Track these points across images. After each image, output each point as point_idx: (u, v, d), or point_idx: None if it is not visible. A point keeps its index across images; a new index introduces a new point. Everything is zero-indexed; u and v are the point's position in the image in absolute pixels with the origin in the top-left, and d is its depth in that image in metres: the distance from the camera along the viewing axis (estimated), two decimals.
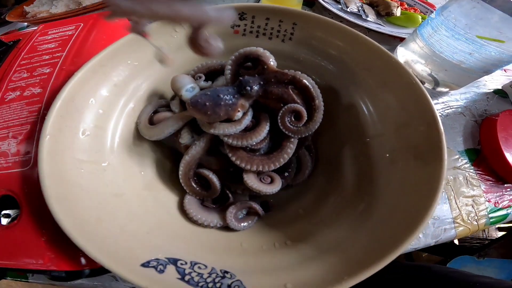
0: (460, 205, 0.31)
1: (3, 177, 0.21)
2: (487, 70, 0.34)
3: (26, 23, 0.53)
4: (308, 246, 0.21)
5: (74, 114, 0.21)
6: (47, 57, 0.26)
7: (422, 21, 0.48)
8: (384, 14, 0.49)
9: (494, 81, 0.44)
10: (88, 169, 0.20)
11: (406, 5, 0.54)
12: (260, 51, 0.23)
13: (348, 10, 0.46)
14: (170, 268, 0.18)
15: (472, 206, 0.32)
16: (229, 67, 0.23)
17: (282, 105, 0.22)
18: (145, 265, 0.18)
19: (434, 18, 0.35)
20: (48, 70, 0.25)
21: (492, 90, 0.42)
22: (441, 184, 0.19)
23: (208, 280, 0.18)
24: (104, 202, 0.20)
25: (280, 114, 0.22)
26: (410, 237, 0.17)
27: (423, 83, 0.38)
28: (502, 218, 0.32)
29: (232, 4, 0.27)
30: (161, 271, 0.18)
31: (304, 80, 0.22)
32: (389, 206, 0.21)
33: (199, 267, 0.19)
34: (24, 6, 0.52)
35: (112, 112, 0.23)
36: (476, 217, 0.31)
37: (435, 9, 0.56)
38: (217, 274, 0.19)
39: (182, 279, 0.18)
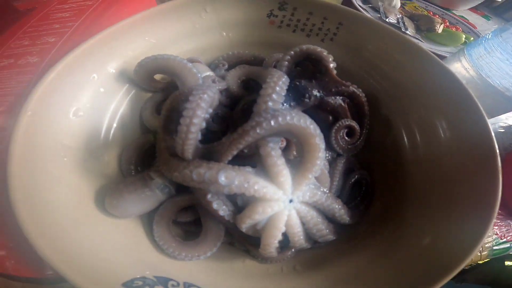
0: None
1: None
2: None
3: None
4: (321, 275, 0.17)
5: (69, 88, 0.16)
6: (57, 25, 0.21)
7: (465, 41, 0.42)
8: (425, 29, 0.43)
9: None
10: (72, 159, 0.15)
11: (448, 23, 0.48)
12: (324, 53, 0.18)
13: (387, 20, 0.40)
14: None
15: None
16: (286, 62, 0.18)
17: (331, 118, 0.17)
18: (128, 285, 0.13)
19: (490, 38, 0.30)
20: (52, 39, 0.20)
21: None
22: (486, 231, 0.14)
23: None
24: (84, 203, 0.15)
25: (334, 129, 0.18)
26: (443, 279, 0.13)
27: None
28: (505, 250, 0.30)
29: None
30: None
31: (362, 97, 0.18)
32: (423, 242, 0.16)
33: None
34: None
35: (115, 92, 0.18)
36: (481, 249, 0.29)
37: (476, 29, 0.51)
38: None
39: None
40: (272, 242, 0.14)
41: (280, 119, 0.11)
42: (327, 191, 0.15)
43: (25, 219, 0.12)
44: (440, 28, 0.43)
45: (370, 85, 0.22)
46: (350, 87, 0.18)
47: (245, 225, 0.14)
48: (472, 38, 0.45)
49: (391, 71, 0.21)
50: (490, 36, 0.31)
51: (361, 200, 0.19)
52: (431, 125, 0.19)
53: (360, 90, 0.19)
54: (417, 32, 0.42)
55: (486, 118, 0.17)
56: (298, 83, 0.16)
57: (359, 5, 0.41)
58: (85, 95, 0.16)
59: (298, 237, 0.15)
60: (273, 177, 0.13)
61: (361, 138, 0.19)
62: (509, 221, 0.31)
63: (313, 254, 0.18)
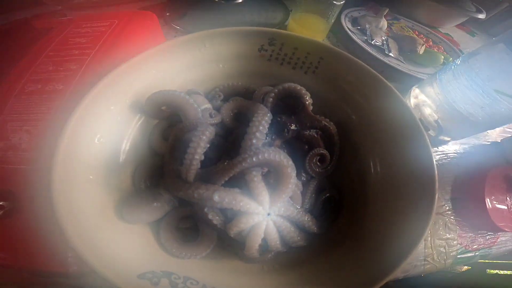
0: (434, 246, 0.32)
1: (8, 171, 0.20)
2: (492, 126, 0.33)
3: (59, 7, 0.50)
4: (295, 273, 0.21)
5: (93, 119, 0.19)
6: (76, 51, 0.25)
7: (444, 61, 0.46)
8: (408, 50, 0.47)
9: (495, 135, 0.43)
10: (96, 176, 0.19)
11: (431, 43, 0.52)
12: (302, 91, 0.22)
13: (372, 42, 0.44)
14: (164, 281, 0.18)
15: (444, 248, 0.33)
16: (271, 98, 0.22)
17: (307, 147, 0.21)
18: (141, 276, 0.17)
19: (458, 64, 0.33)
20: (74, 67, 0.24)
21: (489, 143, 0.42)
22: (424, 234, 0.19)
23: None
24: (106, 211, 0.19)
25: (308, 157, 0.22)
26: (393, 270, 0.18)
27: (427, 129, 0.37)
28: (469, 259, 0.33)
29: (265, 28, 0.25)
30: (156, 284, 0.17)
31: (332, 130, 0.22)
32: (374, 246, 0.21)
33: (191, 283, 0.19)
34: None
35: (129, 121, 0.22)
36: (445, 257, 0.32)
37: (459, 47, 0.55)
38: None
39: None
40: (254, 245, 0.19)
41: (260, 156, 0.16)
42: (299, 207, 0.20)
43: (65, 223, 0.16)
44: (421, 49, 0.47)
45: (344, 112, 0.27)
46: (322, 121, 0.22)
47: (233, 232, 0.18)
48: (451, 59, 0.49)
49: (362, 102, 0.26)
50: (459, 62, 0.33)
51: (330, 214, 0.23)
52: (389, 152, 0.23)
53: (331, 123, 0.23)
54: (400, 53, 0.46)
55: (431, 150, 0.21)
56: (279, 119, 0.20)
57: (348, 28, 0.45)
58: (106, 124, 0.20)
59: (275, 242, 0.20)
60: (255, 196, 0.17)
61: (331, 163, 0.23)
62: (473, 232, 0.35)
63: (289, 256, 0.22)
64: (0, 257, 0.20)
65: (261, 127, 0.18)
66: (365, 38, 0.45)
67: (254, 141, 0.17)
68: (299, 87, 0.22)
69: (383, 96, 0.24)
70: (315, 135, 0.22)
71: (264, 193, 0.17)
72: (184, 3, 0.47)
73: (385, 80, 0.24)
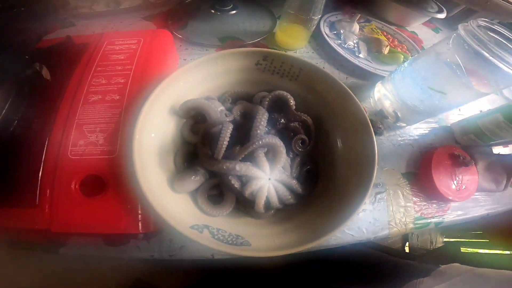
0: (395, 213, 0.42)
1: (94, 162, 0.29)
2: (432, 114, 0.45)
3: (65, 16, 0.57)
4: (290, 223, 0.32)
5: (149, 120, 0.30)
6: (119, 67, 0.35)
7: (403, 60, 0.58)
8: (375, 51, 0.58)
9: (447, 118, 0.55)
10: (154, 161, 0.30)
11: (396, 42, 0.63)
12: (288, 96, 0.34)
13: (345, 46, 0.56)
14: (205, 231, 0.27)
15: (404, 214, 0.42)
16: (266, 102, 0.34)
17: (292, 134, 0.33)
18: (191, 227, 0.27)
19: (406, 67, 0.45)
20: (122, 81, 0.33)
21: (441, 126, 0.53)
22: (369, 189, 0.30)
23: (228, 239, 0.27)
24: (163, 184, 0.30)
25: (293, 140, 0.34)
26: (347, 220, 0.28)
27: (387, 117, 0.49)
28: (424, 225, 0.42)
29: (260, 48, 0.36)
30: (201, 232, 0.27)
31: (309, 121, 0.34)
32: (340, 198, 0.32)
33: (222, 232, 0.28)
34: None
35: (169, 120, 0.33)
36: (405, 222, 0.41)
37: (422, 44, 0.66)
38: (233, 236, 0.28)
39: (213, 237, 0.27)
40: (261, 202, 0.30)
41: (263, 140, 0.27)
42: (288, 175, 0.32)
43: (145, 190, 0.26)
44: (386, 50, 0.59)
45: (318, 108, 0.38)
46: (302, 116, 0.34)
47: (247, 192, 0.29)
48: (410, 57, 0.61)
49: (330, 101, 0.37)
50: (406, 65, 0.45)
51: (311, 181, 0.35)
52: (348, 135, 0.36)
53: (309, 117, 0.35)
54: (368, 54, 0.57)
55: (373, 134, 0.33)
56: (273, 116, 0.32)
57: (326, 33, 0.56)
58: (157, 124, 0.31)
59: (274, 199, 0.31)
60: (260, 167, 0.29)
61: (310, 145, 0.35)
62: (427, 202, 0.43)
63: (284, 213, 0.33)
64: (89, 227, 0.27)
65: (262, 122, 0.29)
66: (340, 42, 0.56)
67: (258, 131, 0.29)
68: (285, 93, 0.34)
69: (344, 98, 0.36)
70: (297, 126, 0.34)
71: (266, 165, 0.29)
72: (183, 13, 0.56)
73: (345, 86, 0.35)
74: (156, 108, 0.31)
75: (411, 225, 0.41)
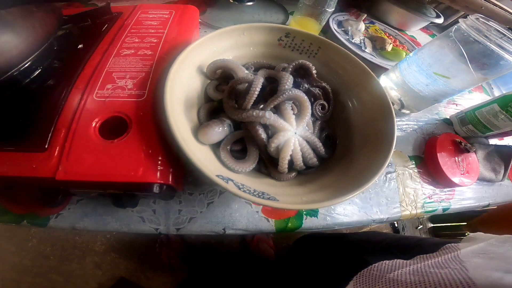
0: (405, 193, 0.43)
1: (120, 103, 0.28)
2: (437, 99, 0.47)
3: None
4: (314, 184, 0.32)
5: (180, 73, 0.31)
6: (152, 31, 0.37)
7: (406, 57, 0.63)
8: (379, 48, 0.63)
9: (446, 111, 0.60)
10: (182, 109, 0.31)
11: (398, 42, 0.69)
12: (310, 65, 0.36)
13: (352, 41, 0.60)
14: (231, 183, 0.26)
15: (413, 196, 0.43)
16: (290, 69, 0.35)
17: (313, 99, 0.35)
18: (217, 176, 0.25)
19: (411, 56, 0.49)
20: (155, 40, 0.35)
21: (441, 118, 0.58)
22: (390, 155, 0.30)
23: (255, 193, 0.26)
24: (188, 131, 0.30)
25: (314, 104, 0.36)
26: (370, 181, 0.28)
27: (393, 104, 0.52)
28: (433, 210, 0.43)
29: (283, 25, 0.39)
30: (227, 182, 0.25)
31: (328, 89, 0.37)
32: (360, 165, 0.32)
33: (246, 187, 0.27)
34: None
35: (197, 77, 0.35)
36: (415, 204, 0.42)
37: (420, 47, 0.72)
38: (259, 192, 0.27)
39: (239, 189, 0.25)
40: (286, 156, 0.30)
41: (293, 92, 0.29)
42: (312, 133, 0.33)
43: (175, 131, 0.26)
44: (389, 47, 0.63)
45: (333, 82, 0.41)
46: (323, 83, 0.36)
47: (273, 145, 0.30)
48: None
49: (344, 74, 0.40)
50: (411, 55, 0.49)
51: (330, 145, 0.37)
52: (364, 103, 0.38)
53: (328, 85, 0.37)
54: (373, 50, 0.62)
55: (388, 98, 0.36)
56: (297, 80, 0.34)
57: (334, 29, 0.60)
58: (185, 78, 0.32)
59: (299, 157, 0.32)
60: (287, 119, 0.31)
61: (329, 111, 0.36)
62: (433, 186, 0.45)
63: (306, 176, 0.33)
64: (100, 175, 0.24)
65: (288, 81, 0.31)
66: (347, 37, 0.61)
67: (286, 86, 0.31)
68: (307, 62, 0.36)
69: (361, 75, 0.39)
70: (319, 92, 0.36)
71: (292, 118, 0.31)
72: (203, 1, 0.60)
73: (364, 65, 0.39)
74: (185, 64, 0.33)
75: (421, 209, 0.43)
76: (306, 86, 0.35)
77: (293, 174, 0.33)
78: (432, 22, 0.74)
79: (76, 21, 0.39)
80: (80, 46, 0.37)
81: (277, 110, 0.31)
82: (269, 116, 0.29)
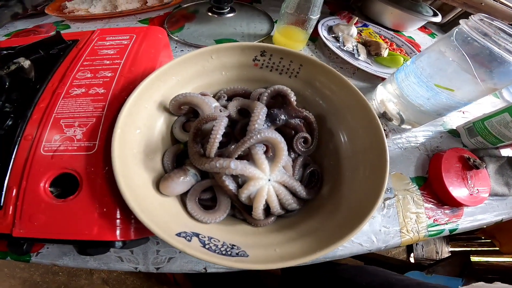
0: (406, 220, 0.38)
1: (68, 158, 0.25)
2: (440, 113, 0.40)
3: (61, 18, 0.55)
4: (293, 231, 0.27)
5: (135, 114, 0.26)
6: (107, 62, 0.31)
7: (403, 62, 0.56)
8: (374, 54, 0.56)
9: (451, 121, 0.52)
10: (138, 160, 0.26)
11: (394, 46, 0.61)
12: (288, 91, 0.30)
13: (344, 48, 0.53)
14: (195, 239, 0.23)
15: (415, 221, 0.38)
16: (265, 97, 0.30)
17: (293, 132, 0.30)
18: (178, 234, 0.23)
19: (409, 65, 0.42)
20: (110, 74, 0.30)
21: (447, 130, 0.50)
22: (382, 192, 0.25)
23: (222, 249, 0.23)
24: (147, 185, 0.26)
25: (295, 139, 0.30)
26: (359, 227, 0.23)
27: (391, 119, 0.46)
28: (439, 233, 0.38)
29: (257, 43, 0.33)
30: (189, 240, 0.23)
31: (311, 118, 0.30)
32: (349, 206, 0.27)
33: (214, 241, 0.24)
34: (66, 2, 0.55)
35: (158, 116, 0.29)
36: (417, 229, 0.38)
37: (420, 49, 0.64)
38: (227, 246, 0.24)
39: (204, 247, 0.23)
40: (259, 206, 0.26)
41: (262, 134, 0.23)
42: (291, 175, 0.28)
43: (124, 189, 0.22)
44: (385, 53, 0.56)
45: (319, 106, 0.35)
46: (304, 112, 0.30)
47: (244, 195, 0.25)
48: (409, 59, 0.59)
49: (332, 96, 0.33)
50: (409, 63, 0.42)
51: (315, 184, 0.31)
52: (354, 132, 0.32)
53: (311, 113, 0.31)
54: (368, 56, 0.55)
55: (383, 132, 0.30)
56: (272, 112, 0.28)
57: (324, 36, 0.53)
58: (143, 118, 0.27)
59: (275, 204, 0.27)
60: (259, 165, 0.25)
61: (313, 144, 0.31)
62: (439, 208, 0.40)
63: (287, 220, 0.29)
64: (56, 232, 0.23)
65: (260, 116, 0.25)
66: (338, 44, 0.54)
67: (256, 125, 0.25)
68: (285, 87, 0.30)
69: (349, 94, 0.32)
70: (299, 123, 0.30)
71: (265, 163, 0.25)
72: (180, 16, 0.54)
73: (350, 83, 0.32)
74: (143, 101, 0.27)
75: (424, 232, 0.38)
76: (284, 118, 0.29)
77: (271, 219, 0.28)
78: (429, 21, 0.67)
79: (27, 52, 0.34)
80: (31, 83, 0.32)
81: (248, 155, 0.26)
82: (235, 167, 0.23)
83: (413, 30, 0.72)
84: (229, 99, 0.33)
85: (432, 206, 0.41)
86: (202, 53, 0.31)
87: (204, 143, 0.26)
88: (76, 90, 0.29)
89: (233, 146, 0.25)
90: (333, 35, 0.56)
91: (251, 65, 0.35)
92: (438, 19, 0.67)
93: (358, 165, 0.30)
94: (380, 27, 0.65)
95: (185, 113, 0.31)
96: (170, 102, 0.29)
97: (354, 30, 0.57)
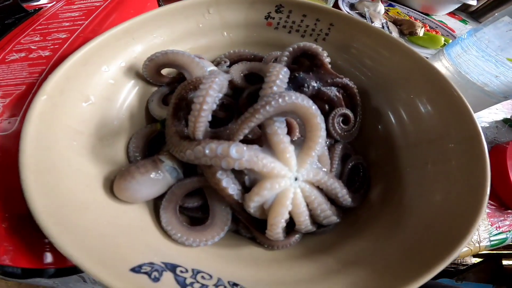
0: None
1: None
2: (508, 94, 0.31)
3: None
4: (331, 257, 0.17)
5: (83, 77, 0.17)
6: (67, 24, 0.23)
7: (445, 43, 0.46)
8: (407, 33, 0.46)
9: (503, 110, 0.42)
10: (82, 144, 0.16)
11: (428, 27, 0.53)
12: (319, 49, 0.20)
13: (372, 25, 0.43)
14: (167, 276, 0.14)
15: (477, 229, 0.29)
16: (285, 58, 0.20)
17: (327, 107, 0.19)
18: (136, 270, 0.13)
19: (466, 38, 0.33)
20: (64, 36, 0.21)
21: (501, 119, 0.42)
22: (485, 201, 0.15)
23: None
24: (92, 187, 0.15)
25: (330, 117, 0.20)
26: (450, 255, 0.14)
27: None
28: (502, 242, 0.31)
29: None
30: (156, 279, 0.13)
31: (354, 88, 0.20)
32: (424, 220, 0.17)
33: (202, 277, 0.15)
34: None
35: (124, 85, 0.20)
36: (478, 240, 0.30)
37: (454, 33, 0.56)
38: (225, 286, 0.14)
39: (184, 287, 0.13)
40: (279, 221, 0.15)
41: (286, 98, 0.13)
42: (329, 172, 0.17)
43: (35, 198, 0.12)
44: (421, 32, 0.46)
45: (358, 79, 0.24)
46: (344, 79, 0.20)
47: (253, 204, 0.15)
48: (451, 41, 0.49)
49: (377, 66, 0.24)
50: (465, 36, 0.34)
51: (360, 185, 0.20)
52: (416, 110, 0.21)
53: (352, 82, 0.21)
54: (400, 36, 0.45)
55: (466, 102, 0.19)
56: (297, 75, 0.18)
57: (347, 12, 0.44)
58: (97, 85, 0.17)
59: (304, 217, 0.16)
60: (279, 154, 0.14)
61: (356, 125, 0.21)
62: (502, 212, 0.33)
63: (318, 239, 0.19)
64: None
65: (280, 76, 0.15)
66: (365, 20, 0.44)
67: (275, 88, 0.14)
68: (314, 45, 0.20)
69: (400, 56, 0.23)
70: (337, 94, 0.19)
71: (290, 149, 0.14)
72: None
73: (400, 41, 0.23)
74: (100, 63, 0.18)
75: (486, 243, 0.31)
76: (315, 85, 0.18)
77: (295, 237, 0.18)
78: (464, 4, 0.59)
79: None
80: None
81: (262, 134, 0.15)
82: (239, 155, 0.13)
83: (442, 15, 0.64)
84: (232, 65, 0.23)
85: (494, 210, 0.33)
86: (195, 3, 0.22)
87: (190, 120, 0.16)
88: (14, 56, 0.20)
89: (239, 118, 0.15)
90: (357, 12, 0.46)
91: (263, 24, 0.25)
92: (474, 1, 0.60)
93: (427, 158, 0.19)
94: (408, 9, 0.55)
95: (169, 82, 0.21)
96: (144, 63, 0.19)
97: (381, 7, 0.48)
